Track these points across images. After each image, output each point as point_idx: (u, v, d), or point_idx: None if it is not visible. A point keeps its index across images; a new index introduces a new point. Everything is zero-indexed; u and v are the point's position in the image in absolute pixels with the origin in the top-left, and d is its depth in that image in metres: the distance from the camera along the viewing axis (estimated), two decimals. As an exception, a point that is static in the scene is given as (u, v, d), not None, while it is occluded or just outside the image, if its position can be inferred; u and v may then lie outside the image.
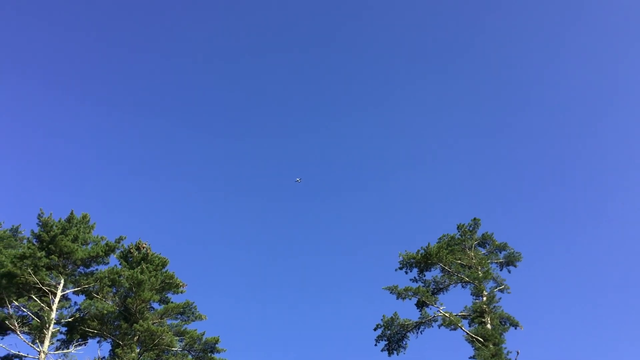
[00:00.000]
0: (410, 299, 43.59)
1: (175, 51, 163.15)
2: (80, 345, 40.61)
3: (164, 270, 44.04)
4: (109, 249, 42.77)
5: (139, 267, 41.29)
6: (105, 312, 39.69)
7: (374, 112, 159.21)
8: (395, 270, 46.14)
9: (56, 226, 41.53)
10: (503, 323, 41.80)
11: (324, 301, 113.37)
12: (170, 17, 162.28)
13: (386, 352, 43.33)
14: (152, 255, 44.33)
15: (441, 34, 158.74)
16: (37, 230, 41.89)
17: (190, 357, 42.30)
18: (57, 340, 40.51)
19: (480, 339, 39.26)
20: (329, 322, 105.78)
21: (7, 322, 38.82)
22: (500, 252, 47.23)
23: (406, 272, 46.04)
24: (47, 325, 37.88)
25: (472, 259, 45.10)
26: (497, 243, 47.14)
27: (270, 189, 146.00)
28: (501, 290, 44.27)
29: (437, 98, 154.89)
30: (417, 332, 43.17)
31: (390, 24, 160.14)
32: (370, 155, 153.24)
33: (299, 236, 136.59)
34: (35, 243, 41.36)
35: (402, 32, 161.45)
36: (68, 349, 39.99)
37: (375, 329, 43.22)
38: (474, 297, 43.34)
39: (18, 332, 38.34)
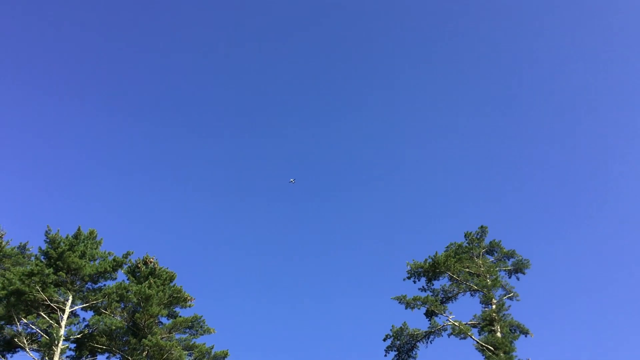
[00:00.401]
0: (419, 309, 43.44)
1: (176, 56, 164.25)
2: (89, 361, 40.62)
3: (171, 284, 44.02)
4: (117, 265, 42.83)
5: (147, 282, 41.30)
6: (113, 327, 39.64)
7: (376, 113, 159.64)
8: (404, 279, 46.06)
9: (64, 242, 41.62)
10: (513, 331, 41.55)
11: (329, 303, 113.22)
12: (168, 17, 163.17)
13: (396, 362, 43.15)
14: (159, 269, 44.34)
15: (445, 33, 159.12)
16: (44, 247, 42.03)
17: (199, 371, 42.22)
18: (67, 357, 40.46)
19: (490, 347, 39.01)
20: (335, 324, 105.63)
21: (16, 339, 38.86)
22: (509, 260, 47.00)
23: (414, 282, 45.94)
24: (56, 342, 37.82)
25: (481, 267, 44.91)
26: (505, 250, 46.91)
27: (272, 191, 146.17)
28: (510, 298, 44.03)
29: (440, 99, 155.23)
30: (427, 342, 42.98)
31: (392, 24, 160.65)
32: (373, 157, 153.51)
33: (302, 238, 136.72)
34: (43, 260, 41.46)
35: (403, 32, 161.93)
36: (77, 365, 39.98)
37: (384, 339, 43.02)
38: (483, 306, 43.15)
39: (27, 350, 38.36)
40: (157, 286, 41.94)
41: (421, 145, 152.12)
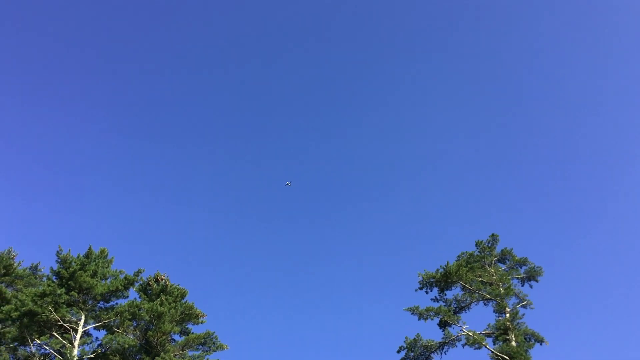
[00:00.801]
0: (432, 319, 43.17)
1: (182, 64, 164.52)
2: (103, 381, 40.51)
3: (183, 301, 44.03)
4: (128, 283, 42.85)
5: (159, 299, 41.29)
6: (126, 346, 39.57)
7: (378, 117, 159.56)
8: (416, 290, 45.83)
9: (75, 262, 41.70)
10: (528, 339, 41.14)
11: (342, 317, 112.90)
12: (168, 21, 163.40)
13: (411, 375, 42.77)
14: (170, 286, 44.34)
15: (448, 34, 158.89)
16: (56, 267, 42.13)
17: (213, 388, 42.04)
18: (80, 376, 40.42)
19: (505, 357, 38.63)
20: (348, 336, 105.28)
21: (29, 360, 38.90)
22: (521, 267, 46.66)
23: (426, 292, 45.66)
24: (69, 362, 37.81)
25: (493, 275, 44.62)
26: (517, 258, 46.60)
27: (282, 202, 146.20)
28: (524, 306, 43.62)
29: (448, 106, 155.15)
30: (441, 353, 42.64)
31: (395, 24, 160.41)
32: (379, 167, 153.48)
33: (311, 250, 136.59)
34: (55, 280, 41.57)
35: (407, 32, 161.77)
36: (91, 385, 39.89)
37: (398, 352, 42.73)
38: (497, 315, 42.80)
39: (41, 371, 38.34)
40: (169, 303, 41.95)
41: (429, 155, 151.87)
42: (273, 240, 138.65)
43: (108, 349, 40.45)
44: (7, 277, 46.29)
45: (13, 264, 47.05)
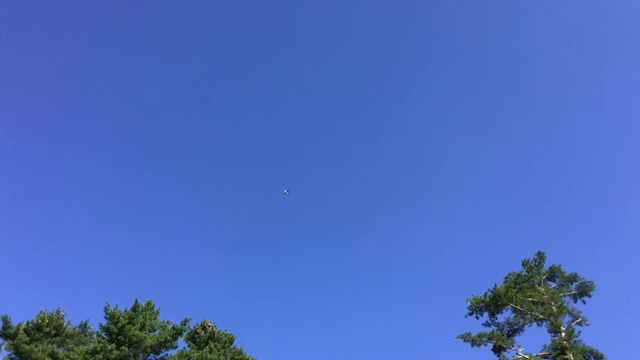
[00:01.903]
0: (485, 345, 42.12)
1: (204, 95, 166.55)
2: None
3: (232, 346, 43.96)
4: (176, 333, 43.03)
5: (207, 347, 41.24)
6: (179, 397, 39.52)
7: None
8: (465, 316, 44.88)
9: (123, 317, 42.11)
10: (587, 358, 39.79)
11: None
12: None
13: (470, 404, 41.68)
14: (218, 332, 44.34)
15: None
16: (105, 323, 42.58)
17: None
18: None
19: (566, 378, 37.38)
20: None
21: (86, 419, 38.99)
22: (572, 284, 45.36)
23: (477, 317, 44.66)
24: (125, 417, 37.86)
25: (543, 294, 43.48)
26: (566, 274, 45.37)
27: (320, 237, 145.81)
28: (579, 324, 42.30)
29: (461, 110, 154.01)
30: (499, 379, 41.45)
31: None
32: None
33: (356, 284, 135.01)
34: (104, 336, 41.96)
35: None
36: None
37: (454, 381, 41.71)
38: (552, 335, 41.55)
39: None
40: (218, 350, 41.87)
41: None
42: (317, 281, 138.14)
43: (162, 401, 40.45)
44: (57, 338, 46.93)
45: (63, 323, 47.74)
